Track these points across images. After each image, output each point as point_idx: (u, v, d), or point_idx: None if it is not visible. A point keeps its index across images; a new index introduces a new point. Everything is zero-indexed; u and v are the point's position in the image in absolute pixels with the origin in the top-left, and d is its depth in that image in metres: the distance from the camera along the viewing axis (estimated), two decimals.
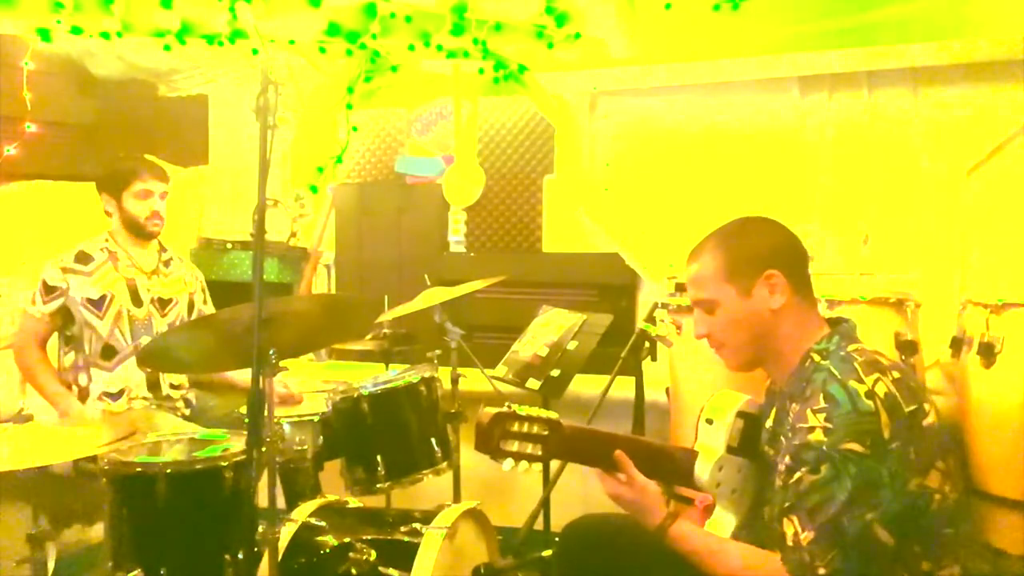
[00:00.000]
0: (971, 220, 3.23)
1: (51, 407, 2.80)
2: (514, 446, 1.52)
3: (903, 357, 2.38)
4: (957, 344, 2.57)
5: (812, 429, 1.42)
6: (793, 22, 3.38)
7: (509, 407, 1.54)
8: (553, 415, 1.56)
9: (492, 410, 1.53)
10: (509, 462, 1.52)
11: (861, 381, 1.43)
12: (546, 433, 1.54)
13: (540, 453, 1.54)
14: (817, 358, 1.53)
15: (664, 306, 2.63)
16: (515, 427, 1.53)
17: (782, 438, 1.56)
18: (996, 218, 3.17)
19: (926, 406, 1.45)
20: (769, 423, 1.65)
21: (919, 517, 1.40)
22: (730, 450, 1.68)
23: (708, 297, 1.62)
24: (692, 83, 3.66)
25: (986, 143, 3.21)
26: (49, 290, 2.74)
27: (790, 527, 1.43)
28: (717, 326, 1.63)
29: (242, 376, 2.81)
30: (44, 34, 3.19)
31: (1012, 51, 3.10)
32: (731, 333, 1.62)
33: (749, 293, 1.58)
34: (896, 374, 1.46)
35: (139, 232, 2.85)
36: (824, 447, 1.39)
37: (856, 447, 1.37)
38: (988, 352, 2.39)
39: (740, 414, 1.70)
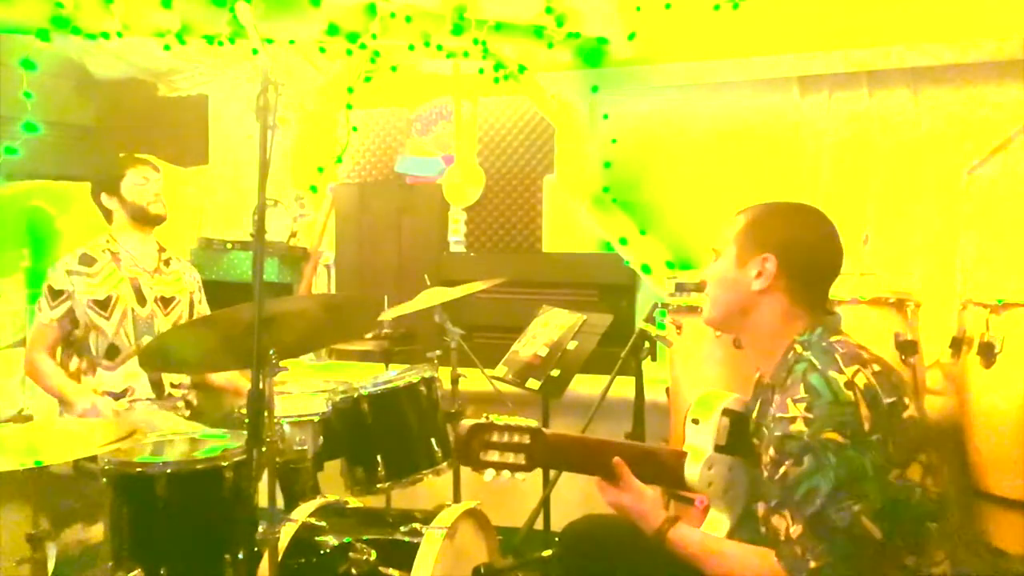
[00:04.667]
0: (971, 220, 3.23)
1: (54, 408, 2.80)
2: (495, 456, 1.53)
3: (903, 357, 2.38)
4: (957, 344, 2.57)
5: (793, 419, 1.43)
6: (793, 22, 3.39)
7: (487, 417, 1.54)
8: (533, 423, 1.56)
9: (469, 422, 1.53)
10: (490, 472, 1.53)
11: (841, 372, 1.44)
12: (528, 441, 1.54)
13: (524, 462, 1.54)
14: (799, 348, 1.54)
15: (664, 306, 2.63)
16: (495, 437, 1.53)
17: (764, 429, 1.56)
18: (996, 218, 3.17)
19: (906, 399, 1.46)
20: (754, 415, 1.66)
21: (901, 510, 1.41)
22: (718, 449, 1.68)
23: (717, 247, 1.67)
24: (692, 83, 3.66)
25: (986, 143, 3.21)
26: (55, 294, 2.74)
27: (782, 522, 1.44)
28: (711, 275, 1.68)
29: (224, 377, 2.85)
30: (44, 34, 3.19)
31: (1012, 51, 3.11)
32: (715, 286, 1.66)
33: (742, 264, 1.60)
34: (876, 367, 1.47)
35: (145, 218, 2.86)
36: (805, 437, 1.40)
37: (836, 437, 1.39)
38: (988, 352, 2.39)
39: (726, 412, 1.70)
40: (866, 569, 1.40)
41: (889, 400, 1.43)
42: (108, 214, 2.88)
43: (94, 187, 2.88)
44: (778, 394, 1.53)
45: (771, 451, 1.47)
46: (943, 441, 2.56)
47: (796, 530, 1.41)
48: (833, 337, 1.54)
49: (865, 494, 1.38)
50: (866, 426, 1.39)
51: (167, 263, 2.95)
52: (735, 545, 1.56)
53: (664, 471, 1.67)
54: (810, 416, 1.41)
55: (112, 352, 2.76)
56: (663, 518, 1.56)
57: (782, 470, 1.43)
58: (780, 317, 1.58)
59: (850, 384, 1.42)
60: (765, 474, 1.51)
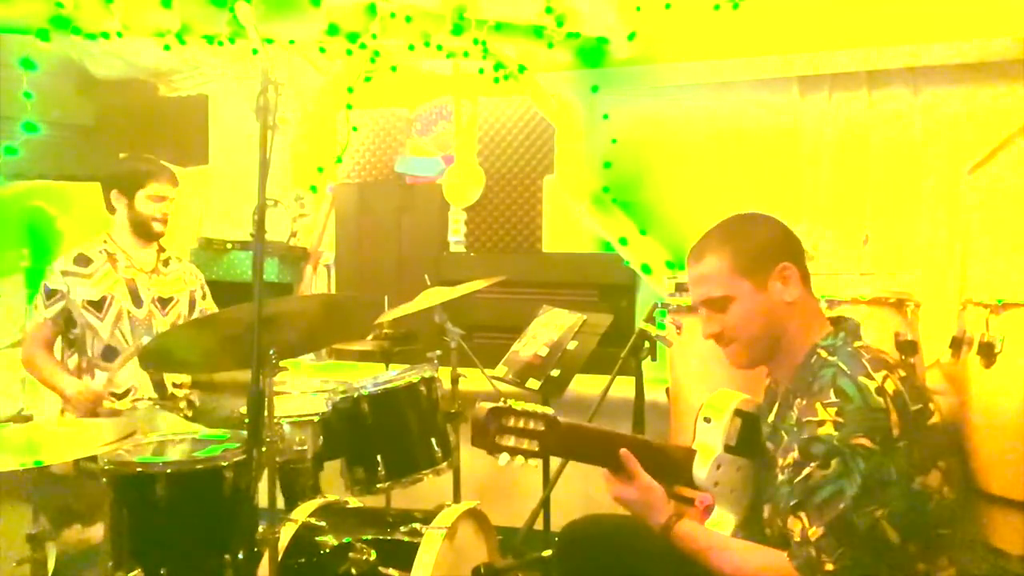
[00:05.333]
0: (971, 220, 3.23)
1: (55, 408, 2.80)
2: (510, 441, 1.53)
3: (903, 357, 2.38)
4: (957, 344, 2.57)
5: (822, 423, 1.42)
6: (793, 22, 3.39)
7: (505, 402, 1.54)
8: (549, 411, 1.56)
9: (488, 405, 1.53)
10: (505, 456, 1.53)
11: (871, 377, 1.43)
12: (542, 428, 1.54)
13: (537, 449, 1.54)
14: (824, 354, 1.53)
15: (664, 306, 2.63)
16: (511, 422, 1.53)
17: (783, 433, 1.56)
18: (996, 218, 3.17)
19: (931, 406, 1.46)
20: (771, 418, 1.65)
21: (917, 516, 1.41)
22: (728, 449, 1.68)
23: (721, 295, 1.59)
24: (692, 83, 3.66)
25: (986, 143, 3.21)
26: (50, 294, 2.75)
27: (797, 524, 1.43)
28: (730, 323, 1.59)
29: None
30: (43, 34, 3.20)
31: (1012, 51, 3.11)
32: (745, 329, 1.59)
33: (764, 287, 1.57)
34: (902, 372, 1.47)
35: (145, 233, 2.86)
36: (835, 441, 1.40)
37: (866, 442, 1.38)
38: (988, 352, 2.39)
39: (738, 413, 1.70)
40: (880, 574, 1.40)
41: (916, 407, 1.42)
42: (112, 209, 2.88)
43: (107, 181, 2.87)
44: (802, 398, 1.52)
45: (794, 453, 1.46)
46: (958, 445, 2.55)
47: (815, 532, 1.40)
48: (856, 343, 1.54)
49: (888, 500, 1.38)
50: (895, 432, 1.39)
51: (166, 263, 2.95)
52: (742, 543, 1.56)
53: (672, 468, 1.67)
54: (840, 421, 1.40)
55: (109, 353, 2.76)
56: (670, 512, 1.56)
57: (805, 472, 1.42)
58: (806, 321, 1.58)
59: (880, 390, 1.41)
60: (781, 476, 1.50)
